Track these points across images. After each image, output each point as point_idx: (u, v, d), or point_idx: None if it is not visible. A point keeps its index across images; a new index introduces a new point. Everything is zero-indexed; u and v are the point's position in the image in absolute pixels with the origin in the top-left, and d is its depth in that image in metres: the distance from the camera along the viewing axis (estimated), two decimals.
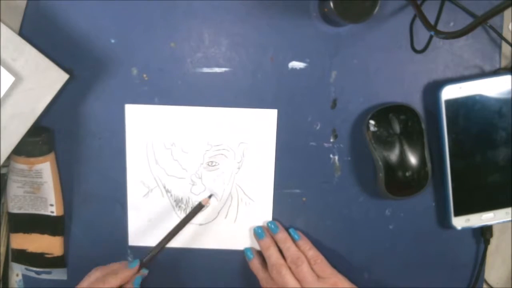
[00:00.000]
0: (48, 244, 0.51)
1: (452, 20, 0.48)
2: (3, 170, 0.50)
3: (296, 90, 0.49)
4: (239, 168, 0.50)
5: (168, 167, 0.50)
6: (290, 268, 0.48)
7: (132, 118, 0.49)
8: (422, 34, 0.48)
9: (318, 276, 0.48)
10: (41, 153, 0.48)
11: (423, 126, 0.48)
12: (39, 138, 0.48)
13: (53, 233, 0.50)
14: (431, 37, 0.47)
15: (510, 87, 0.47)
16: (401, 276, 0.52)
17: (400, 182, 0.48)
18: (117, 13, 0.47)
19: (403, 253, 0.52)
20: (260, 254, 0.51)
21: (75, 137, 0.50)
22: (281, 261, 0.49)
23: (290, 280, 0.47)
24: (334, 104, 0.49)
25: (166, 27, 0.48)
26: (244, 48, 0.48)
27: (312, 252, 0.49)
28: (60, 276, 0.52)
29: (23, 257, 0.51)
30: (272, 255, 0.49)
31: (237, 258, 0.52)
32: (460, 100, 0.47)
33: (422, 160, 0.48)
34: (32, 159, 0.48)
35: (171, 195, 0.51)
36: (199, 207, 0.50)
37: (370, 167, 0.50)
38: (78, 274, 0.52)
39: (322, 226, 0.51)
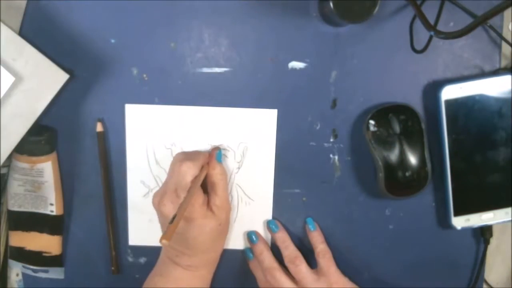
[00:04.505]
0: (47, 243, 0.51)
1: (452, 20, 0.48)
2: (3, 170, 0.50)
3: (296, 90, 0.49)
4: (239, 168, 0.50)
5: (168, 167, 0.50)
6: (288, 267, 0.49)
7: (132, 118, 0.49)
8: (422, 34, 0.48)
9: (319, 273, 0.48)
10: (43, 153, 0.48)
11: (423, 126, 0.48)
12: (42, 137, 0.48)
13: (52, 232, 0.51)
14: (431, 37, 0.47)
15: (510, 87, 0.47)
16: (401, 276, 0.52)
17: (400, 182, 0.48)
18: (117, 13, 0.47)
19: (403, 253, 0.52)
20: None
21: (75, 137, 0.50)
22: (275, 264, 0.49)
23: (285, 282, 0.48)
24: (334, 104, 0.49)
25: (166, 27, 0.48)
26: (244, 48, 0.48)
27: (323, 246, 0.49)
28: (57, 275, 0.52)
29: (21, 254, 0.51)
30: (265, 259, 0.49)
31: (237, 258, 0.52)
32: (460, 100, 0.47)
33: (422, 160, 0.48)
34: (34, 158, 0.48)
35: None
36: None
37: (370, 167, 0.50)
38: (76, 273, 0.52)
39: (322, 226, 0.51)
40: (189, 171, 0.44)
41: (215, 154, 0.47)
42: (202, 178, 0.45)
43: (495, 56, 0.49)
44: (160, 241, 0.36)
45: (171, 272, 0.47)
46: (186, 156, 0.45)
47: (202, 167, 0.46)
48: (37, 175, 0.49)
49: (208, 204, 0.46)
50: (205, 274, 0.49)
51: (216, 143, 0.50)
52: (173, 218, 0.39)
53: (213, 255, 0.49)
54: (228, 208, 0.48)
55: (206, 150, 0.49)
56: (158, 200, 0.45)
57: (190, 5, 0.47)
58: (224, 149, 0.50)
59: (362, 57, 0.48)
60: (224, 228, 0.48)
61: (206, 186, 0.48)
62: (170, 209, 0.44)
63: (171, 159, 0.50)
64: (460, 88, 0.47)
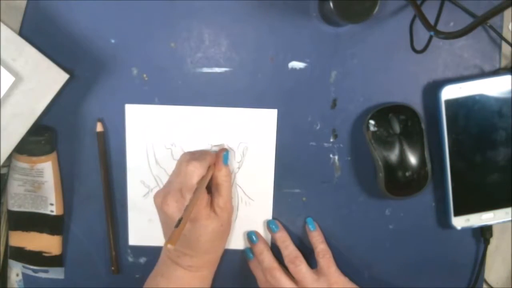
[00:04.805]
0: (47, 243, 0.51)
1: (452, 20, 0.48)
2: (3, 170, 0.50)
3: (296, 90, 0.49)
4: (239, 168, 0.50)
5: (168, 167, 0.50)
6: (288, 267, 0.49)
7: (132, 118, 0.49)
8: (422, 34, 0.48)
9: (319, 273, 0.48)
10: (43, 153, 0.48)
11: (423, 126, 0.48)
12: (42, 137, 0.48)
13: (52, 232, 0.51)
14: (431, 37, 0.47)
15: (510, 87, 0.47)
16: (401, 276, 0.52)
17: (400, 182, 0.48)
18: (117, 13, 0.47)
19: (403, 253, 0.52)
20: None
21: (75, 137, 0.50)
22: (274, 264, 0.49)
23: (285, 282, 0.48)
24: (334, 104, 0.49)
25: (166, 27, 0.48)
26: (244, 48, 0.48)
27: (323, 246, 0.50)
28: (57, 275, 0.52)
29: (21, 255, 0.51)
30: (265, 259, 0.49)
31: (237, 258, 0.52)
32: (460, 100, 0.47)
33: (422, 160, 0.48)
34: (34, 158, 0.48)
35: None
36: None
37: (370, 167, 0.50)
38: (76, 273, 0.52)
39: (322, 226, 0.51)
40: (196, 172, 0.44)
41: (222, 156, 0.47)
42: (208, 179, 0.45)
43: (495, 56, 0.49)
44: (165, 245, 0.36)
45: (172, 273, 0.47)
46: (193, 156, 0.45)
47: (209, 167, 0.46)
48: (37, 175, 0.49)
49: (211, 205, 0.46)
50: (206, 275, 0.49)
51: (216, 143, 0.50)
52: (179, 221, 0.38)
53: (214, 255, 0.49)
54: (230, 209, 0.48)
55: (213, 151, 0.49)
56: (161, 199, 0.45)
57: (190, 5, 0.47)
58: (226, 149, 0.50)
59: (362, 57, 0.48)
60: (225, 229, 0.48)
61: (209, 186, 0.48)
62: (174, 209, 0.44)
63: (171, 159, 0.50)
64: (460, 88, 0.47)
